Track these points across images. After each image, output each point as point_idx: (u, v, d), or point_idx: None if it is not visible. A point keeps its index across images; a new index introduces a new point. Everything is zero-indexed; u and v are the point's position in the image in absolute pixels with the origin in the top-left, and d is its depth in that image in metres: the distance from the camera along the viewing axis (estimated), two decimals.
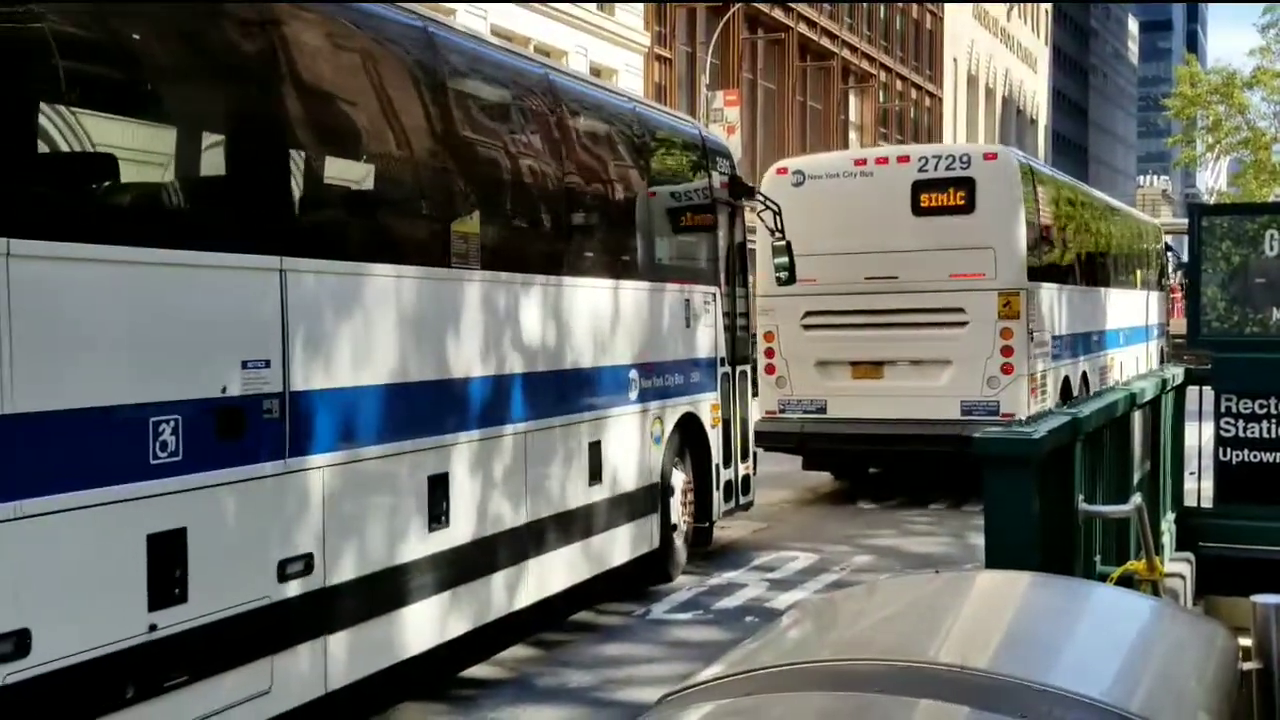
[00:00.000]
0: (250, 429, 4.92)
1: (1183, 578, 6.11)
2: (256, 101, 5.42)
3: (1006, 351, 11.81)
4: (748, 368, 10.35)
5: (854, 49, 50.18)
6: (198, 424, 4.65)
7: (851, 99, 51.35)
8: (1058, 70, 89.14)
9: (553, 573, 7.31)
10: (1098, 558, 4.85)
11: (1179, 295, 29.79)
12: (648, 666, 6.78)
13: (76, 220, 4.49)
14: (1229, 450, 7.08)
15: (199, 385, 4.72)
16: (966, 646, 1.82)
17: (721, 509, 9.60)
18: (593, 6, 32.16)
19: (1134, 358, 16.48)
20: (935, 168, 12.15)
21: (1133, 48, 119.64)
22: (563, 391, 7.49)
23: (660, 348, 8.71)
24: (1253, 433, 7.04)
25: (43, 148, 4.52)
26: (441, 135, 6.70)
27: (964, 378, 11.86)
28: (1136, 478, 5.68)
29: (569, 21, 31.05)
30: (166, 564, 4.50)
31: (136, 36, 5.00)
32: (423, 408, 6.10)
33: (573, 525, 7.52)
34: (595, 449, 7.75)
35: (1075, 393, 13.19)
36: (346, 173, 6.33)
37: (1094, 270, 15.12)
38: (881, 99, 54.23)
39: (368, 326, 5.71)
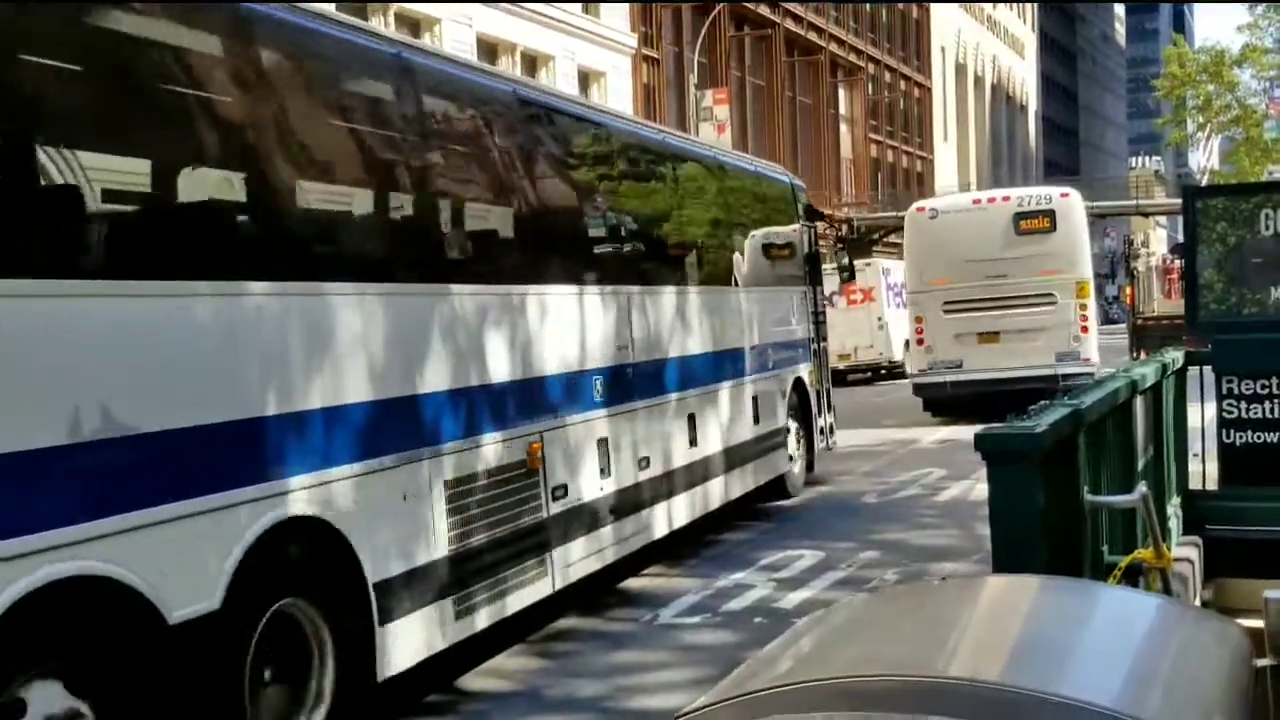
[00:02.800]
0: (623, 385, 8.78)
1: (1191, 562, 6.08)
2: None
3: (1084, 319, 18.47)
4: (827, 344, 14.57)
5: (841, 42, 50.15)
6: (609, 380, 8.55)
7: (841, 92, 51.32)
8: (1046, 55, 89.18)
9: (738, 481, 11.00)
10: (1105, 547, 4.81)
11: (1175, 277, 29.88)
12: (658, 673, 6.75)
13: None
14: (1232, 432, 7.04)
15: (609, 356, 8.63)
16: (976, 658, 1.78)
17: (818, 447, 13.50)
18: (577, 8, 32.08)
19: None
20: (1029, 203, 18.84)
21: (1120, 29, 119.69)
22: (738, 363, 11.30)
23: (781, 333, 12.65)
24: (1255, 413, 7.01)
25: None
26: (666, 212, 10.74)
27: (1055, 339, 18.26)
28: (1141, 464, 5.65)
29: (555, 26, 31.01)
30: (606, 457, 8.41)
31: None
32: (688, 371, 10.02)
33: (747, 451, 11.26)
34: (754, 401, 11.51)
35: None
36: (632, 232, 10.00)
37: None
38: (870, 91, 54.20)
39: (662, 325, 9.69)
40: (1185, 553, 6.20)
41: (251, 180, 5.61)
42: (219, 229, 5.41)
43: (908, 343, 24.13)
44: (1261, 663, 2.04)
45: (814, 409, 13.29)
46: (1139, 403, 5.60)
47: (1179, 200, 8.25)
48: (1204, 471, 7.39)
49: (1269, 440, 6.98)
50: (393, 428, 6.05)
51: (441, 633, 6.33)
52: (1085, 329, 18.34)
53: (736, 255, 12.05)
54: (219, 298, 5.12)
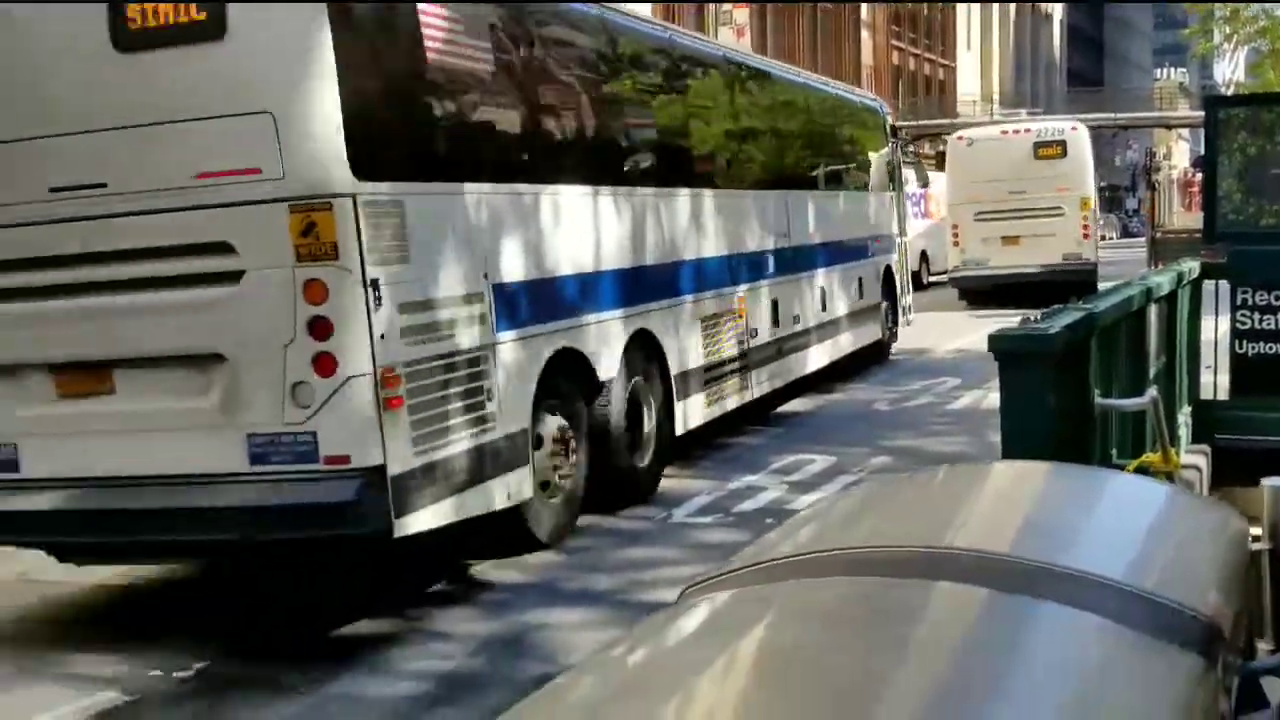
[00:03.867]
0: (783, 262, 12.10)
1: (1199, 469, 6.15)
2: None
3: (1085, 227, 23.11)
4: (908, 239, 18.30)
5: None
6: (775, 259, 11.93)
7: None
8: None
9: (851, 339, 14.51)
10: (1114, 451, 4.88)
11: (1195, 190, 29.72)
12: (671, 568, 6.90)
13: None
14: (1245, 343, 7.07)
15: (777, 242, 12.12)
16: (985, 533, 1.86)
17: (902, 322, 17.28)
18: None
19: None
20: (1046, 134, 23.49)
21: None
22: (852, 251, 14.82)
23: (878, 228, 16.33)
24: (1268, 324, 7.03)
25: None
26: (810, 138, 14.51)
27: (1063, 242, 22.72)
28: (1153, 371, 5.70)
29: None
30: (775, 312, 11.81)
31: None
32: (822, 255, 13.47)
33: (858, 318, 14.84)
34: (860, 281, 14.99)
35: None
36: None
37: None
38: None
39: (806, 221, 13.12)
40: (1194, 460, 6.27)
41: (664, 131, 10.37)
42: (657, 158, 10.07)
43: (924, 252, 29.49)
44: (1257, 547, 2.11)
45: (898, 290, 17.12)
46: (1153, 311, 5.63)
47: (1202, 113, 8.25)
48: (1215, 383, 7.44)
49: None
50: (682, 279, 9.81)
51: (702, 413, 9.98)
52: (1087, 235, 23.25)
53: (850, 166, 15.89)
54: (630, 197, 9.05)
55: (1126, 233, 60.12)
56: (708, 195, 10.59)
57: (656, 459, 9.10)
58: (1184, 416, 6.80)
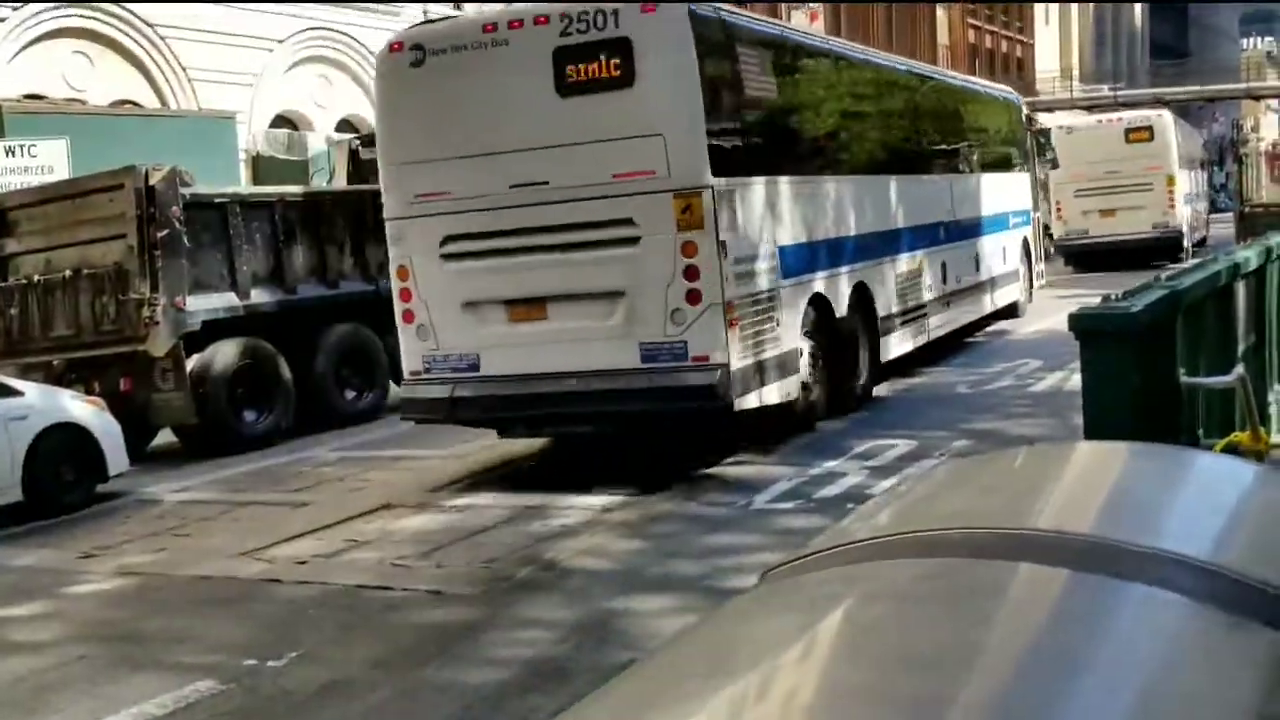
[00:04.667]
0: (948, 232, 15.21)
1: None
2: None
3: (1171, 200, 27.07)
4: (1040, 213, 21.58)
5: None
6: (942, 229, 15.06)
7: None
8: None
9: (997, 298, 17.37)
10: (1201, 431, 4.80)
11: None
12: (753, 554, 6.91)
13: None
14: None
15: (944, 215, 15.50)
16: (1064, 513, 1.85)
17: (1036, 285, 20.27)
18: None
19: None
20: (1135, 122, 28.28)
21: None
22: (998, 223, 17.55)
23: (1016, 203, 19.07)
24: None
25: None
26: (970, 128, 17.64)
27: (1153, 213, 27.00)
28: (1241, 349, 5.59)
29: None
30: (943, 272, 14.89)
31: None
32: (975, 226, 16.41)
33: (1001, 280, 17.58)
34: (1004, 249, 17.88)
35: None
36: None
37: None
38: None
39: (965, 198, 16.15)
40: None
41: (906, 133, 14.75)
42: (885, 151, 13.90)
43: (1045, 225, 33.23)
44: None
45: (1033, 258, 20.10)
46: (1240, 287, 5.52)
47: None
48: None
49: None
50: (888, 244, 13.04)
51: (898, 348, 13.05)
52: (1172, 206, 26.86)
53: (995, 151, 18.74)
54: (855, 183, 12.56)
55: (1214, 208, 58.68)
56: (902, 179, 14.00)
57: (870, 378, 12.30)
58: (1275, 395, 6.66)
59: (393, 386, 14.45)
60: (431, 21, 10.72)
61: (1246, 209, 29.15)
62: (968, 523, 1.77)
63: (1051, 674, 1.32)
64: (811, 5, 33.63)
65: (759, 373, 9.64)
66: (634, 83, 9.11)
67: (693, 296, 9.12)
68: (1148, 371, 4.38)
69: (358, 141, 18.14)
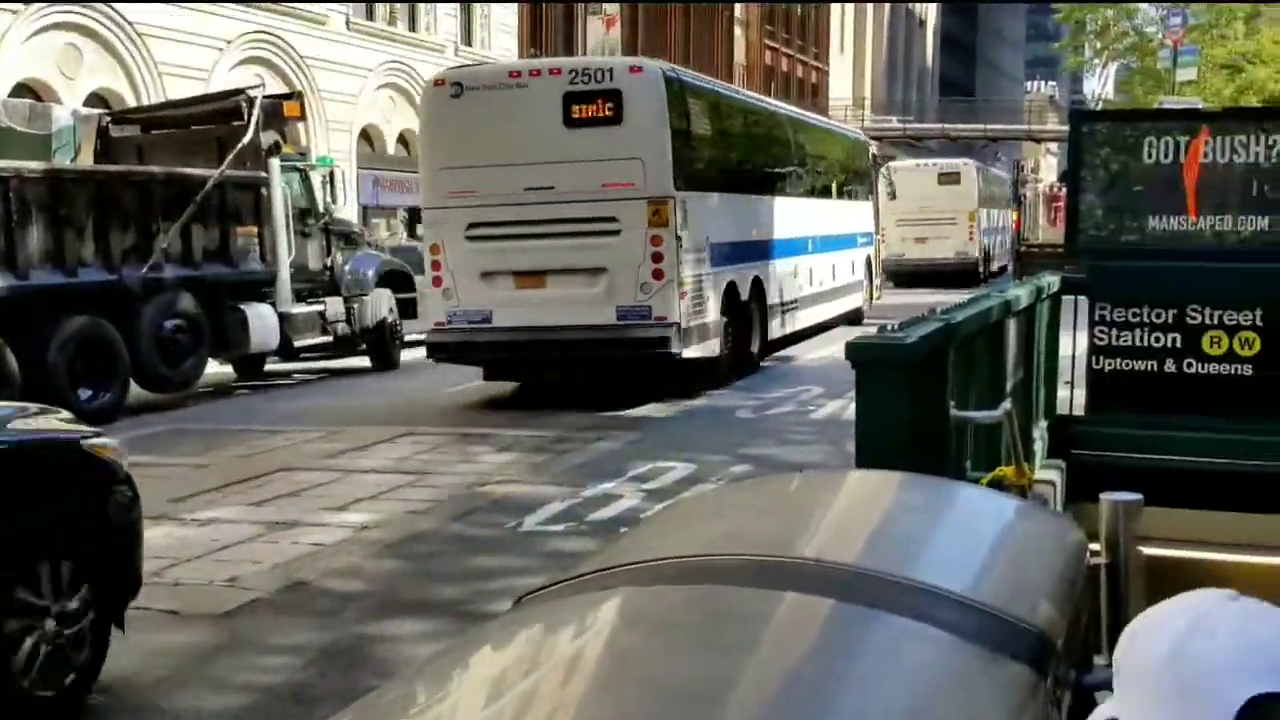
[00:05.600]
0: (813, 244, 19.72)
1: (1053, 484, 6.38)
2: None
3: (971, 233, 35.07)
4: (878, 236, 25.75)
5: None
6: (808, 242, 19.46)
7: None
8: None
9: (842, 304, 21.47)
10: (968, 463, 5.04)
11: (1060, 204, 31.60)
12: (520, 578, 6.87)
13: None
14: (1102, 358, 7.36)
15: (805, 231, 19.45)
16: (827, 542, 1.91)
17: (873, 298, 24.63)
18: None
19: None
20: (948, 167, 36.56)
21: None
22: (846, 241, 21.96)
23: (860, 226, 23.33)
24: (1126, 341, 7.33)
25: None
26: (816, 162, 21.93)
27: (956, 242, 34.86)
28: (1010, 384, 5.90)
29: None
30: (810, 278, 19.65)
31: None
32: (829, 242, 20.85)
33: (843, 289, 21.56)
34: (852, 262, 22.53)
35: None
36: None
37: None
38: None
39: (820, 220, 20.58)
40: (1049, 475, 6.50)
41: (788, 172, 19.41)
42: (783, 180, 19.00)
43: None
44: (1095, 561, 2.21)
45: (872, 273, 24.12)
46: (1011, 324, 5.83)
47: (1066, 127, 8.76)
48: (1072, 398, 7.72)
49: (1137, 368, 7.32)
50: (777, 249, 17.29)
51: (778, 331, 17.27)
52: (972, 238, 34.53)
53: (852, 181, 23.14)
54: (771, 200, 17.86)
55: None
56: (786, 200, 18.30)
57: (760, 351, 16.39)
58: (1040, 431, 7.05)
59: (134, 386, 13.85)
60: (467, 66, 15.18)
61: (1023, 248, 32.98)
62: (733, 549, 1.80)
63: (803, 706, 1.35)
64: (608, 11, 34.01)
65: (697, 333, 13.86)
66: (622, 120, 13.23)
67: (657, 274, 13.18)
68: (919, 402, 4.56)
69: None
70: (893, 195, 28.26)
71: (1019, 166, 40.47)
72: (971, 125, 60.37)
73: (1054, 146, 79.54)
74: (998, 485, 4.85)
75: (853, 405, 4.45)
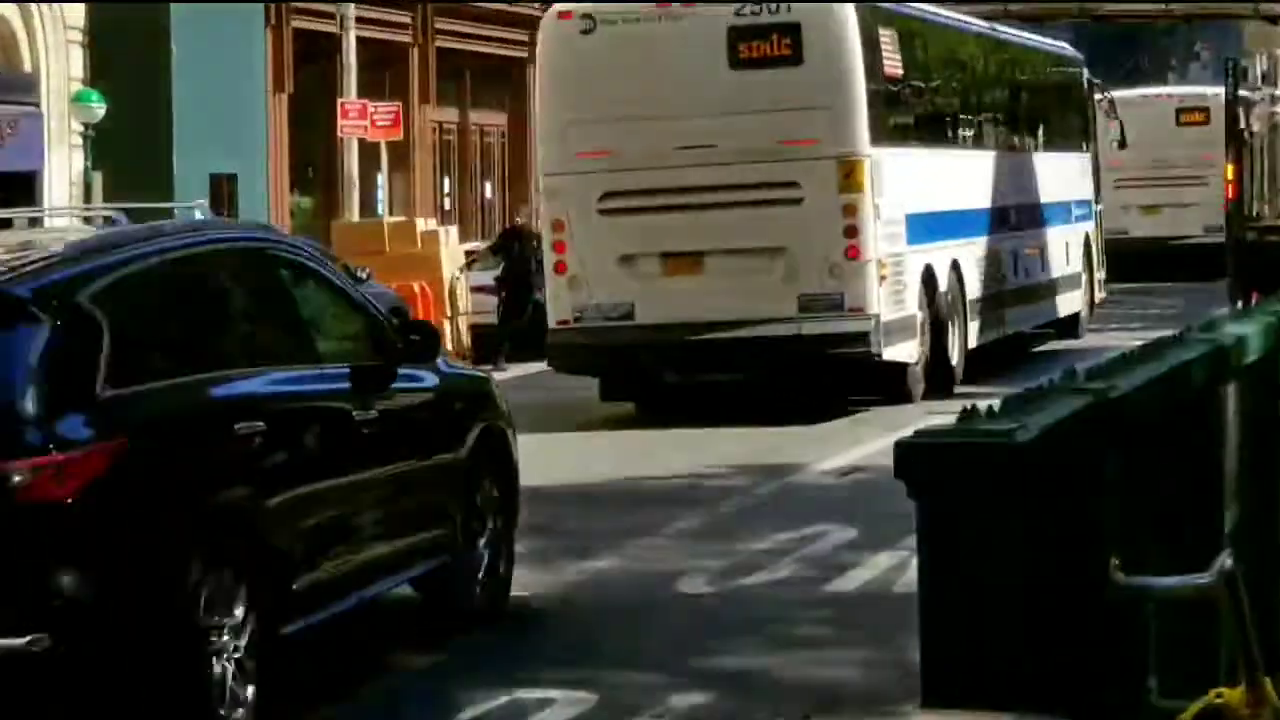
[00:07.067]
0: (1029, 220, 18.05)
1: None
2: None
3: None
4: (1098, 221, 21.20)
5: None
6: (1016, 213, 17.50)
7: None
8: None
9: (1065, 303, 18.23)
10: (1153, 681, 2.83)
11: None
12: None
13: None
14: None
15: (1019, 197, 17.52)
16: None
17: (1098, 296, 20.55)
18: None
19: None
20: (1189, 99, 28.63)
21: None
22: (1060, 212, 18.61)
23: (1080, 191, 20.12)
24: None
25: None
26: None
27: (1206, 211, 26.43)
28: (1229, 524, 3.47)
29: None
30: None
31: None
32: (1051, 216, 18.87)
33: (1070, 280, 18.60)
34: (1067, 246, 19.04)
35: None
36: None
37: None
38: None
39: (1050, 181, 18.23)
40: None
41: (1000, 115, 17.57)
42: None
43: None
44: None
45: (1093, 260, 20.31)
46: (1231, 394, 3.42)
47: None
48: None
49: None
50: (992, 219, 15.78)
51: (978, 336, 15.52)
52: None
53: (1058, 124, 19.69)
54: (974, 156, 16.21)
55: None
56: (996, 157, 16.27)
57: (960, 364, 14.11)
58: None
59: None
60: None
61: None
62: None
63: None
64: None
65: (900, 330, 12.64)
66: (803, 60, 12.05)
67: (851, 252, 12.01)
68: (1044, 560, 2.44)
69: None
70: (1122, 143, 21.45)
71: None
72: None
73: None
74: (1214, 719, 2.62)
75: None
